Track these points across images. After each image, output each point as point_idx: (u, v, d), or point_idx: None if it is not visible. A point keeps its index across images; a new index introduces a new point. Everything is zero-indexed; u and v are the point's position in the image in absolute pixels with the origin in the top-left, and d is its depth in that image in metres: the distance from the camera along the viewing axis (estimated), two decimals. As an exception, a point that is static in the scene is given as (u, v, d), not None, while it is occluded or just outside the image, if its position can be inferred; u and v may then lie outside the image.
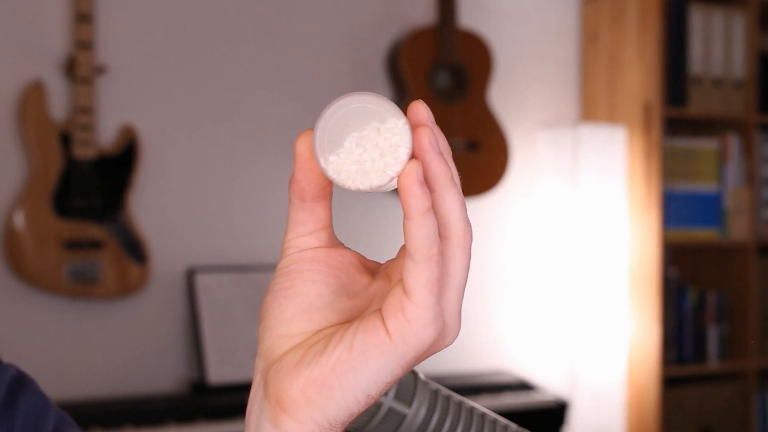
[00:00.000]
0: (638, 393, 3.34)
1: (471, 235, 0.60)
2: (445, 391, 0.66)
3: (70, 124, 2.77)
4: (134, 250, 2.83)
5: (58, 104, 2.79)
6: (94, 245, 2.78)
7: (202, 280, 2.88)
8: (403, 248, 0.60)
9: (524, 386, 3.15)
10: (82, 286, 2.77)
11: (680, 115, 3.42)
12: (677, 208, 3.43)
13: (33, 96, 2.74)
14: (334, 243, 0.65)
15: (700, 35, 3.47)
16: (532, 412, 3.05)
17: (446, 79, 3.23)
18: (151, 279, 2.88)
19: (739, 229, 3.51)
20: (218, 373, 2.84)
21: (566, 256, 3.31)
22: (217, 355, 2.84)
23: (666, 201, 3.37)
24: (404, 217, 0.58)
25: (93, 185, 2.78)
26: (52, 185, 2.74)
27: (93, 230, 2.79)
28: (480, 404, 0.66)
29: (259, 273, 2.96)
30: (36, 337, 2.78)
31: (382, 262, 0.66)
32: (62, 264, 2.75)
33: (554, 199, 3.35)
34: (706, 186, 3.50)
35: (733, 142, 3.53)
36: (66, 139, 2.76)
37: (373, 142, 0.58)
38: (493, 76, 3.28)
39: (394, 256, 0.64)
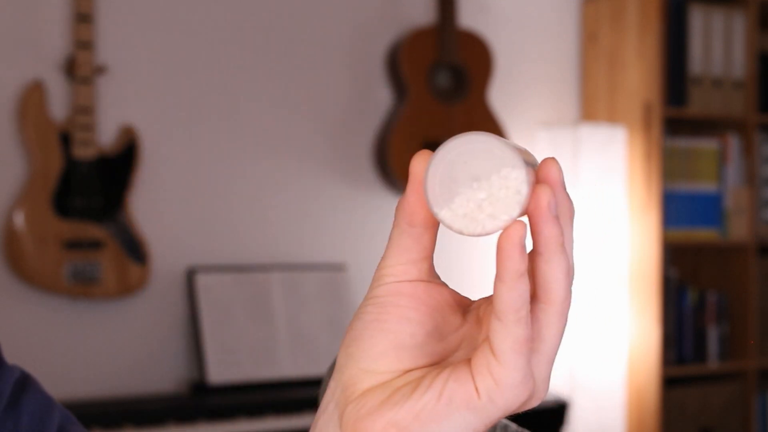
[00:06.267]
0: (638, 393, 3.34)
1: (570, 301, 0.58)
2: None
3: (70, 124, 2.76)
4: (134, 250, 2.83)
5: (58, 104, 2.79)
6: (94, 245, 2.78)
7: (202, 280, 2.88)
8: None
9: (524, 386, 3.15)
10: (82, 286, 2.77)
11: (680, 115, 3.42)
12: (677, 208, 3.43)
13: (33, 96, 2.74)
14: (433, 276, 0.62)
15: (700, 35, 3.47)
16: (532, 412, 3.04)
17: (446, 79, 3.23)
18: (151, 279, 2.88)
19: (739, 229, 3.51)
20: (218, 373, 2.84)
21: (566, 256, 3.30)
22: (217, 355, 2.84)
23: (666, 201, 3.37)
24: (496, 276, 0.56)
25: (93, 185, 2.78)
26: (52, 185, 2.74)
27: (93, 230, 2.79)
28: (480, 404, 0.66)
29: (259, 273, 2.96)
30: (36, 337, 2.78)
31: (471, 295, 0.64)
32: (62, 264, 2.75)
33: (554, 199, 3.35)
34: (706, 186, 3.50)
35: (733, 142, 3.53)
36: (66, 139, 2.76)
37: (487, 192, 0.55)
38: (493, 76, 3.28)
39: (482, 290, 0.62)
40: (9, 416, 0.85)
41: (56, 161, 2.75)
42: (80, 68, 2.77)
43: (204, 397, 2.81)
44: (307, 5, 3.15)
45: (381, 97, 3.23)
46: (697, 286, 3.55)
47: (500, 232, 0.55)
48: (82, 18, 2.77)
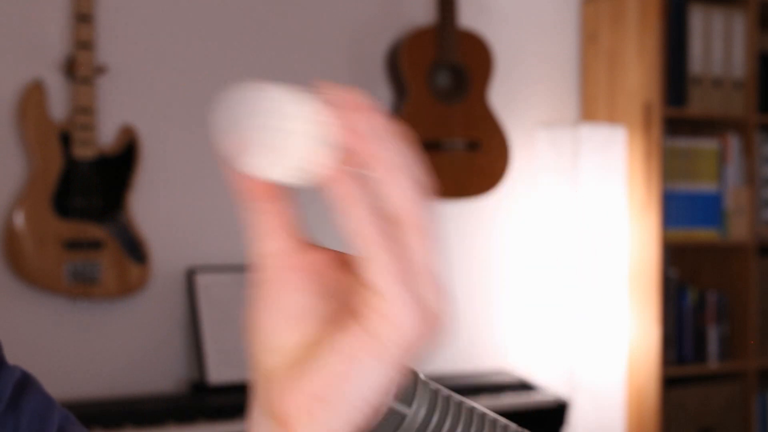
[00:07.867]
0: (638, 393, 3.34)
1: (423, 216, 0.56)
2: (446, 391, 0.66)
3: (70, 124, 2.77)
4: (134, 250, 2.83)
5: (58, 104, 2.79)
6: (94, 245, 2.78)
7: (202, 280, 2.88)
8: None
9: (524, 386, 3.15)
10: (82, 286, 2.77)
11: (680, 115, 3.42)
12: (677, 208, 3.43)
13: (33, 96, 2.74)
14: (308, 243, 0.61)
15: (700, 35, 3.47)
16: (532, 412, 3.05)
17: (446, 79, 3.23)
18: (151, 279, 2.88)
19: (739, 229, 3.51)
20: (218, 373, 2.84)
21: (566, 256, 3.31)
22: (217, 355, 2.84)
23: (666, 201, 3.37)
24: (338, 212, 0.55)
25: (93, 185, 2.78)
26: (52, 185, 2.74)
27: (93, 230, 2.79)
28: (480, 404, 0.66)
29: (259, 273, 2.96)
30: (36, 337, 2.78)
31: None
32: (62, 264, 2.75)
33: (554, 199, 3.35)
34: (706, 186, 3.50)
35: (733, 142, 3.53)
36: (66, 139, 2.76)
37: (293, 128, 0.55)
38: (493, 76, 3.28)
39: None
40: (9, 417, 0.85)
41: (56, 161, 2.75)
42: (80, 68, 2.77)
43: (204, 397, 2.81)
44: (307, 5, 3.15)
45: (381, 97, 3.23)
46: (697, 286, 3.55)
47: (317, 170, 0.54)
48: (82, 18, 2.77)
